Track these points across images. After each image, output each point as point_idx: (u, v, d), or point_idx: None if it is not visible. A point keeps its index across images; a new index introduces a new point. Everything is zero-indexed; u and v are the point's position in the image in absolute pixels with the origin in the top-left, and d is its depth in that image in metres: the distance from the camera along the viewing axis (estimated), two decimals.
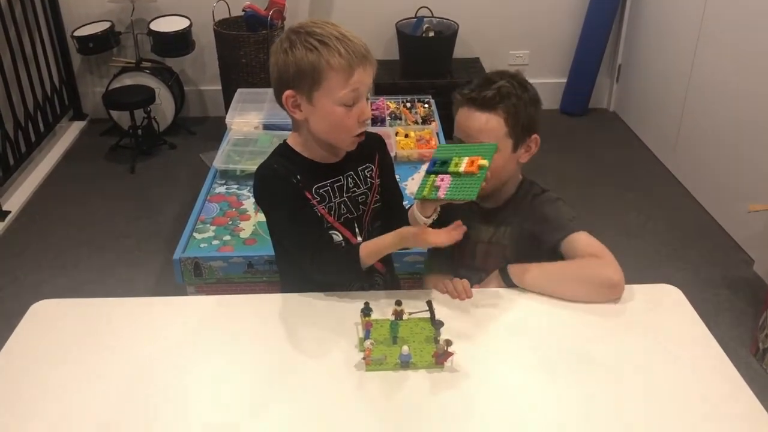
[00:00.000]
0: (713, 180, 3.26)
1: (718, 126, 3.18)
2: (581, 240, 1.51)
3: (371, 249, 1.47)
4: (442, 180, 1.41)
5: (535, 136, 1.59)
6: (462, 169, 1.40)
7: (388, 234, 1.47)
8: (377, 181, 1.59)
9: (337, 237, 1.54)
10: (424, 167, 1.59)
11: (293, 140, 1.54)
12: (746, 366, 2.38)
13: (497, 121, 1.53)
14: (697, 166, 3.41)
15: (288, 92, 1.41)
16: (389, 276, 1.70)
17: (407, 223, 1.54)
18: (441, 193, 1.39)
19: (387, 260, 1.70)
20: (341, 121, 1.43)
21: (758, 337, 2.42)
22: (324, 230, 1.52)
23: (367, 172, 1.58)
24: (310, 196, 1.50)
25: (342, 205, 1.54)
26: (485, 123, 1.53)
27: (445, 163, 1.44)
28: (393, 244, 1.46)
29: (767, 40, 2.79)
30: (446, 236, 1.39)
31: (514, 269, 1.52)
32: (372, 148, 1.61)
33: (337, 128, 1.46)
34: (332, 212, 1.53)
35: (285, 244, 1.58)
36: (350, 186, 1.55)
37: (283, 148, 1.55)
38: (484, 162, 1.39)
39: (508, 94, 1.52)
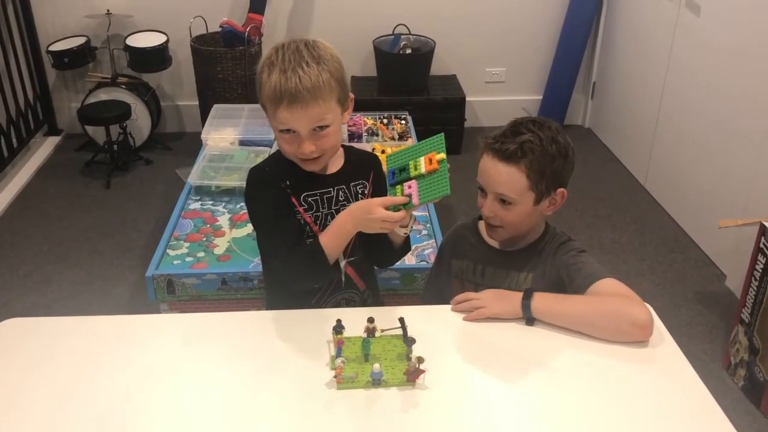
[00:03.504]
0: (686, 196, 3.31)
1: (690, 143, 3.23)
2: (609, 285, 1.45)
3: (328, 236, 1.46)
4: (409, 187, 1.41)
5: (561, 190, 1.54)
6: (423, 170, 1.40)
7: (339, 214, 1.47)
8: (369, 198, 1.57)
9: None
10: None
11: None
12: (718, 380, 2.40)
13: (518, 175, 1.47)
14: (670, 182, 3.46)
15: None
16: (369, 296, 1.69)
17: (389, 240, 1.55)
18: (415, 200, 1.39)
19: (369, 279, 1.70)
20: (283, 145, 1.46)
21: (730, 352, 2.44)
22: (302, 239, 1.52)
23: (359, 188, 1.58)
24: (296, 203, 1.51)
25: (329, 217, 1.54)
26: (506, 175, 1.48)
27: (403, 170, 1.44)
28: (346, 224, 1.44)
29: (735, 61, 2.85)
30: (397, 215, 1.38)
31: (538, 303, 1.43)
32: (368, 166, 1.62)
33: (282, 149, 1.48)
34: (318, 222, 1.54)
35: (260, 246, 1.58)
36: (340, 199, 1.56)
37: (280, 154, 1.55)
38: (442, 155, 1.39)
39: (531, 149, 1.46)
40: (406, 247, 1.61)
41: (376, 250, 1.62)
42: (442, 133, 1.44)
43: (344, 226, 1.45)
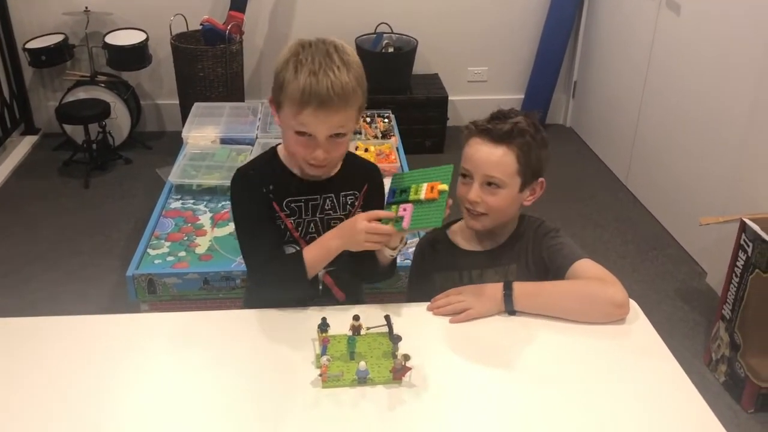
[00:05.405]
0: (666, 194, 3.34)
1: (671, 141, 3.26)
2: (586, 266, 1.49)
3: (314, 252, 1.44)
4: (404, 210, 1.40)
5: (541, 179, 1.57)
6: (422, 196, 1.40)
7: (328, 231, 1.46)
8: (358, 211, 1.54)
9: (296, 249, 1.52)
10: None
11: (282, 147, 1.51)
12: (700, 376, 2.42)
13: (510, 156, 1.48)
14: (651, 180, 3.49)
15: (271, 96, 1.42)
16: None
17: (376, 260, 1.51)
18: (405, 224, 1.38)
19: (351, 290, 1.64)
20: (292, 145, 1.43)
21: (711, 348, 2.46)
22: (281, 246, 1.50)
23: (349, 199, 1.54)
24: (278, 208, 1.49)
25: (311, 224, 1.52)
26: (498, 156, 1.48)
27: (405, 191, 1.43)
28: (331, 240, 1.43)
29: (715, 60, 2.87)
30: (384, 227, 1.37)
31: (519, 297, 1.45)
32: (362, 177, 1.56)
33: (290, 150, 1.46)
34: (300, 228, 1.51)
35: (240, 249, 1.55)
36: (326, 208, 1.52)
37: (269, 154, 1.53)
38: (444, 186, 1.39)
39: (522, 131, 1.48)
40: (390, 270, 1.57)
41: (360, 264, 1.55)
42: (452, 165, 1.44)
43: (329, 243, 1.44)
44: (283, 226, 1.50)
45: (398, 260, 2.18)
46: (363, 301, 1.74)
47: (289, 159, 1.50)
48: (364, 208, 1.54)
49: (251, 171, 1.52)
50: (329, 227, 1.52)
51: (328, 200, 1.52)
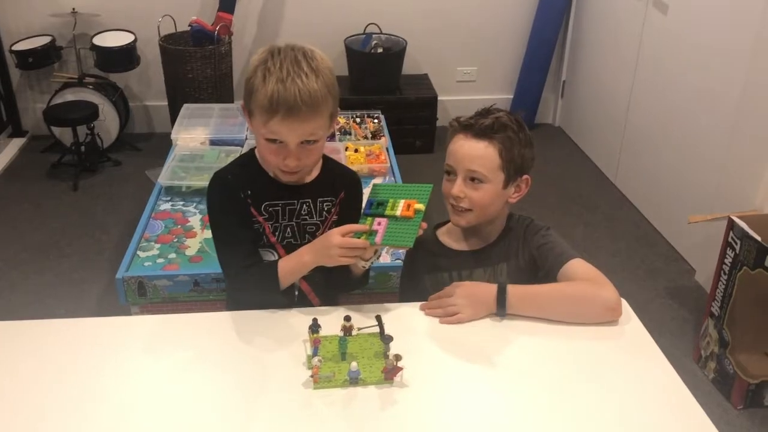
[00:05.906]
0: (655, 192, 3.35)
1: (659, 140, 3.28)
2: (578, 266, 1.50)
3: (289, 265, 1.45)
4: (379, 224, 1.41)
5: (526, 176, 1.57)
6: (398, 213, 1.40)
7: (304, 246, 1.46)
8: (334, 217, 1.55)
9: (273, 257, 1.52)
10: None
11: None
12: (690, 373, 2.44)
13: (491, 151, 1.49)
14: (640, 179, 3.51)
15: (242, 101, 1.42)
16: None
17: (348, 270, 1.51)
18: (378, 239, 1.39)
19: (328, 295, 1.62)
20: (264, 152, 1.44)
21: (700, 345, 2.48)
22: (257, 253, 1.50)
23: (326, 205, 1.54)
24: (256, 213, 1.48)
25: (288, 229, 1.52)
26: (480, 150, 1.49)
27: (381, 204, 1.44)
28: (304, 254, 1.43)
29: (702, 59, 2.89)
30: (358, 241, 1.37)
31: (512, 301, 1.45)
32: (340, 184, 1.56)
33: (262, 156, 1.46)
34: (276, 232, 1.51)
35: (216, 254, 1.55)
36: (303, 213, 1.52)
37: (248, 157, 1.52)
38: (420, 206, 1.40)
39: (504, 126, 1.50)
40: (363, 279, 1.57)
41: (333, 274, 1.54)
42: (432, 185, 1.45)
43: (303, 257, 1.44)
44: (261, 230, 1.50)
45: (389, 260, 2.20)
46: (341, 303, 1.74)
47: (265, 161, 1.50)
48: (340, 215, 1.55)
49: (228, 176, 1.51)
50: (305, 232, 1.53)
51: (305, 205, 1.52)
